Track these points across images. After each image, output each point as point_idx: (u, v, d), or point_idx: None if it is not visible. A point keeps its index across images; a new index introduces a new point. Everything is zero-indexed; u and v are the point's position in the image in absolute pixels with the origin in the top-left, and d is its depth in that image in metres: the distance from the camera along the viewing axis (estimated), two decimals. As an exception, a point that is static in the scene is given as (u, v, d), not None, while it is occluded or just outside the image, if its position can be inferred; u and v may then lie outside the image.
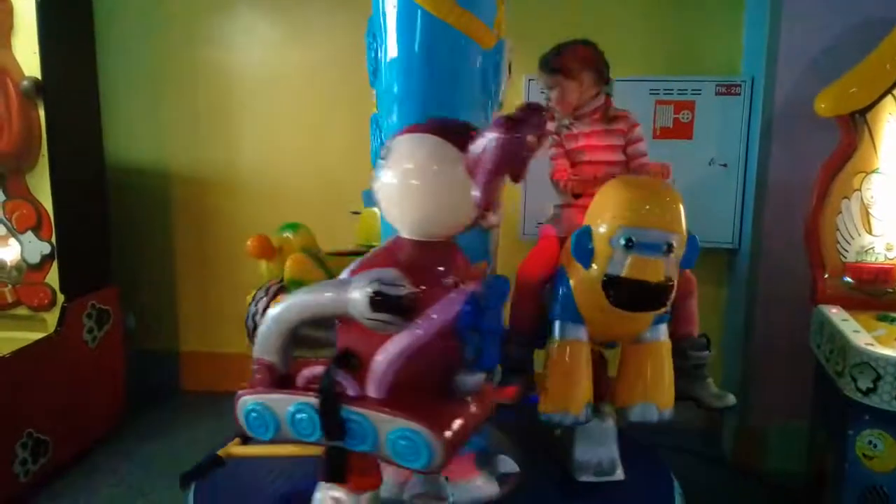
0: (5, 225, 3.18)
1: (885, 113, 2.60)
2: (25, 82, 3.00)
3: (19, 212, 3.16)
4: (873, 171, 2.65)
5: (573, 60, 2.33)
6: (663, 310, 2.03)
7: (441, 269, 1.72)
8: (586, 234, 2.00)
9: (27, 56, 3.02)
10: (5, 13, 2.99)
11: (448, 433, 1.61)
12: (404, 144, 1.70)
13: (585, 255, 2.00)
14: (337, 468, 1.73)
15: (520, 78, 3.37)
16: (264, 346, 1.75)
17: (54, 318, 3.20)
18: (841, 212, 2.68)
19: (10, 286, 3.22)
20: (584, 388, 2.15)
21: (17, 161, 3.09)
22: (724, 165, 3.38)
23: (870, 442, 2.28)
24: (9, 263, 3.22)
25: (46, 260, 3.18)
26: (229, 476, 2.21)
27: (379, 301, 1.56)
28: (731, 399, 2.28)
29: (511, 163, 1.62)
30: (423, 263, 1.70)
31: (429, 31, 2.09)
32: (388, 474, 1.95)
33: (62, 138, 3.16)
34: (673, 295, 1.97)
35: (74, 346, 3.29)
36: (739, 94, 3.33)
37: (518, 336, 2.29)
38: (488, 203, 1.65)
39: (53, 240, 3.16)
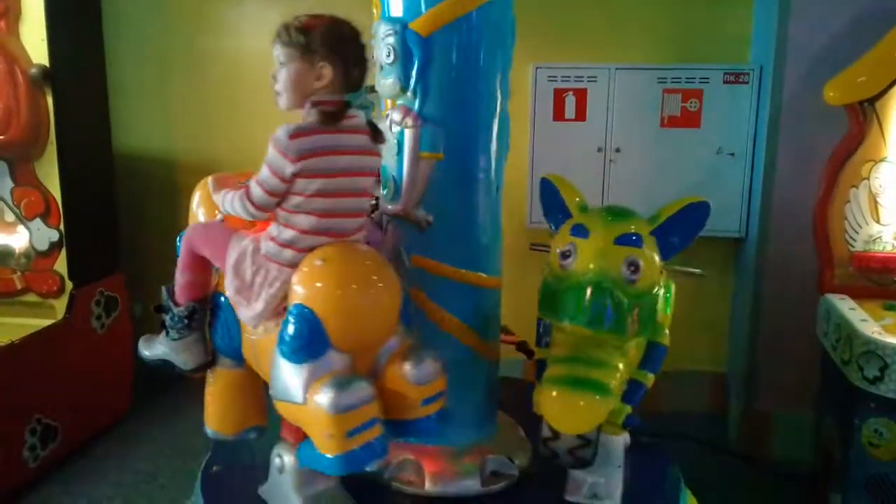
0: (14, 212, 3.20)
1: (893, 101, 2.58)
2: (34, 70, 3.01)
3: (28, 199, 3.17)
4: (882, 160, 2.63)
5: None
6: None
7: None
8: None
9: (35, 43, 3.03)
10: (13, 0, 2.99)
11: None
12: None
13: None
14: None
15: (526, 65, 3.37)
16: None
17: (63, 304, 3.22)
18: (849, 201, 2.67)
19: (18, 273, 3.24)
20: None
21: (26, 148, 3.10)
22: (732, 154, 3.36)
23: (876, 430, 2.28)
24: (17, 250, 3.23)
25: (55, 247, 3.20)
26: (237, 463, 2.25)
27: None
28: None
29: None
30: None
31: None
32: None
33: (70, 126, 3.17)
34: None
35: (83, 332, 3.31)
36: (748, 83, 3.31)
37: None
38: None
39: (62, 227, 3.17)
